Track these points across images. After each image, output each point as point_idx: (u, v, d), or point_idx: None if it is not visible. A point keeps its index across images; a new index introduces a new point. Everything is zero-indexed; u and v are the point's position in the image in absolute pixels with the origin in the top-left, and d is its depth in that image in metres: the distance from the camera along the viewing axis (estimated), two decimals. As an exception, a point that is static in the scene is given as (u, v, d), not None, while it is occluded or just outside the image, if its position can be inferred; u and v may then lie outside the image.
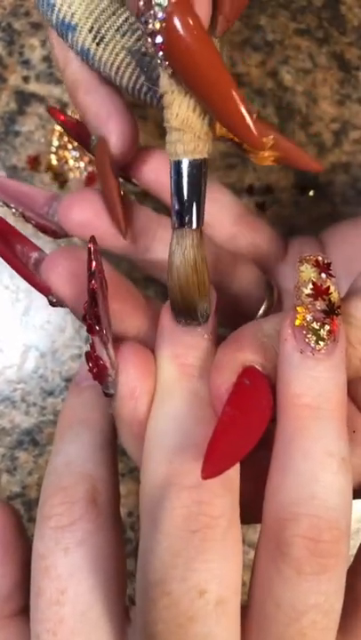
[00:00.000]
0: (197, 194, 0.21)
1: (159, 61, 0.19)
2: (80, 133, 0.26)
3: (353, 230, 0.28)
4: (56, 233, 0.25)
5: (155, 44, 0.18)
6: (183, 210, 0.21)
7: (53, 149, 0.38)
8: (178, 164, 0.21)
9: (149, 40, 0.18)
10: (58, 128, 0.38)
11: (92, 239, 0.19)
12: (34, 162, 0.37)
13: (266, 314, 0.27)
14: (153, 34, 0.18)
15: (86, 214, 0.24)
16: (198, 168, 0.21)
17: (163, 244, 0.25)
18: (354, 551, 0.37)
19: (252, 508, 0.19)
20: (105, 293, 0.20)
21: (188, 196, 0.21)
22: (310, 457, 0.17)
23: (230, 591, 0.18)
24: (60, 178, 0.37)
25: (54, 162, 0.37)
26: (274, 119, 0.38)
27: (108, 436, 0.22)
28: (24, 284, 0.37)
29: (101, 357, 0.20)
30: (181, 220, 0.21)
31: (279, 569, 0.17)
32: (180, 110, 0.20)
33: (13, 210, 0.25)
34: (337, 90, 0.38)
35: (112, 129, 0.24)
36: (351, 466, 0.18)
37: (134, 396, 0.20)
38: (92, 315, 0.19)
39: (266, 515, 0.18)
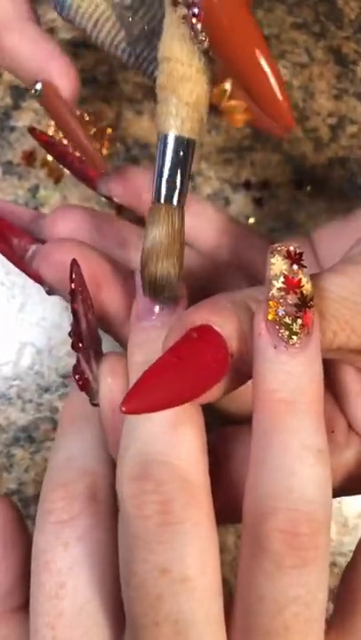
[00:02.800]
0: (184, 169, 0.21)
1: (194, 32, 0.19)
2: (63, 154, 0.26)
3: (343, 227, 0.28)
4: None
5: (194, 15, 0.18)
6: (166, 184, 0.20)
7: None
8: (171, 139, 0.20)
9: (186, 10, 0.18)
10: (53, 123, 0.38)
11: (74, 262, 0.20)
12: (29, 157, 0.37)
13: None
14: (192, 4, 0.18)
15: (71, 226, 0.24)
16: (192, 147, 0.21)
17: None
18: (352, 547, 0.37)
19: (237, 509, 0.19)
20: (88, 312, 0.21)
21: (172, 171, 0.20)
22: (287, 451, 0.17)
23: (197, 569, 0.18)
24: (55, 173, 0.37)
25: (50, 157, 0.37)
26: (270, 114, 0.37)
27: None
28: (20, 281, 0.37)
29: (85, 372, 0.21)
30: (160, 196, 0.21)
31: (260, 563, 0.17)
32: (196, 88, 0.20)
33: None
34: (334, 84, 0.38)
35: (57, 70, 0.22)
36: (329, 459, 0.18)
37: (114, 409, 0.20)
38: (74, 332, 0.20)
39: (246, 510, 0.18)
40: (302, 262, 0.18)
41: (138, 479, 0.18)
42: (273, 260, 0.18)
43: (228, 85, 0.23)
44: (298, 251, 0.18)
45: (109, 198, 0.26)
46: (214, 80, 0.21)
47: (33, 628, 0.19)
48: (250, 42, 0.18)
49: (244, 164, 0.37)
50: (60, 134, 0.38)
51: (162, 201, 0.21)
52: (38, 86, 0.23)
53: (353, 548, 0.37)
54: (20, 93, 0.37)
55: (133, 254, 0.25)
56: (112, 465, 0.21)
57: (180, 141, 0.20)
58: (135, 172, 0.26)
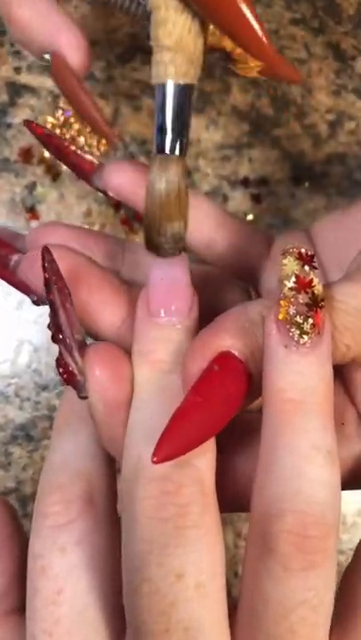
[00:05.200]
0: (184, 120, 0.20)
1: None
2: (59, 147, 0.25)
3: (341, 220, 0.28)
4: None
5: None
6: (167, 136, 0.20)
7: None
8: (164, 87, 0.20)
9: None
10: (50, 120, 0.37)
11: (45, 249, 0.19)
12: (26, 154, 0.37)
13: None
14: None
15: (54, 240, 0.24)
16: (187, 93, 0.20)
17: (130, 267, 0.25)
18: (351, 545, 0.37)
19: (240, 497, 0.19)
20: (65, 301, 0.20)
21: (173, 122, 0.20)
22: (296, 452, 0.17)
23: (209, 575, 0.18)
24: (52, 170, 0.37)
25: (47, 154, 0.37)
26: (269, 110, 0.37)
27: None
28: (17, 278, 0.37)
29: (69, 364, 0.20)
30: (163, 147, 0.20)
31: (266, 566, 0.17)
32: (175, 29, 0.19)
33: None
34: (333, 80, 0.37)
35: (67, 41, 0.22)
36: (338, 459, 0.18)
37: (104, 402, 0.20)
38: (53, 324, 0.19)
39: (253, 511, 0.18)
40: (314, 264, 0.18)
41: (158, 480, 0.17)
42: (285, 261, 0.18)
43: None
44: (309, 253, 0.18)
45: (105, 192, 0.26)
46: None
47: (29, 634, 0.19)
48: None
49: (243, 160, 0.37)
50: (58, 130, 0.37)
51: (167, 151, 0.20)
52: (47, 56, 0.23)
53: (352, 545, 0.37)
54: (16, 90, 0.37)
55: (120, 266, 0.25)
56: (109, 466, 0.21)
57: (174, 88, 0.20)
58: (130, 165, 0.25)
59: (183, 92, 0.20)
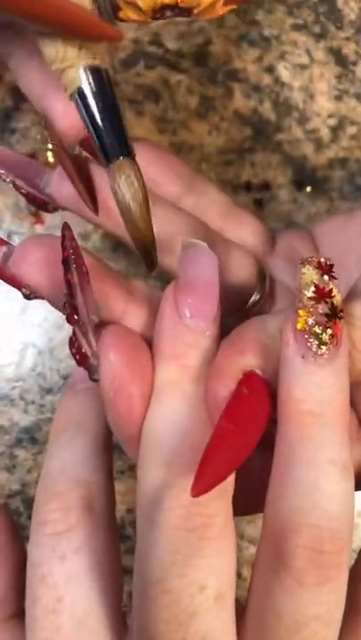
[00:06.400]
0: (113, 116, 0.19)
1: None
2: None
3: (346, 224, 0.28)
4: (46, 205, 0.24)
5: None
6: (104, 142, 0.19)
7: (50, 146, 0.37)
8: (80, 90, 0.19)
9: None
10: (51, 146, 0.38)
11: (65, 226, 0.19)
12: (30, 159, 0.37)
13: (255, 305, 0.26)
14: None
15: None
16: (101, 81, 0.19)
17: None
18: (353, 546, 0.38)
19: (243, 501, 0.19)
20: (84, 282, 0.19)
21: (103, 123, 0.19)
22: (312, 465, 0.17)
23: (228, 586, 0.18)
24: (56, 175, 0.37)
25: (51, 159, 0.37)
26: (271, 115, 0.37)
27: (104, 440, 0.21)
28: (21, 282, 0.37)
29: (82, 346, 0.19)
30: (107, 155, 0.19)
31: (280, 579, 0.17)
32: (58, 49, 0.19)
33: (3, 177, 0.24)
34: (334, 85, 0.38)
35: (49, 106, 0.22)
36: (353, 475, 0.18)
37: (116, 387, 0.19)
38: (69, 305, 0.19)
39: (266, 523, 0.18)
40: (333, 274, 0.18)
41: (188, 490, 0.17)
42: (304, 270, 0.18)
43: None
44: (329, 262, 0.18)
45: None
46: None
47: None
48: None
49: (245, 165, 0.37)
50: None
51: (112, 160, 0.19)
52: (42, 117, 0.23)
53: (354, 547, 0.37)
54: (20, 95, 0.37)
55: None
56: (107, 472, 0.21)
57: (94, 79, 0.19)
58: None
59: (96, 81, 0.19)
